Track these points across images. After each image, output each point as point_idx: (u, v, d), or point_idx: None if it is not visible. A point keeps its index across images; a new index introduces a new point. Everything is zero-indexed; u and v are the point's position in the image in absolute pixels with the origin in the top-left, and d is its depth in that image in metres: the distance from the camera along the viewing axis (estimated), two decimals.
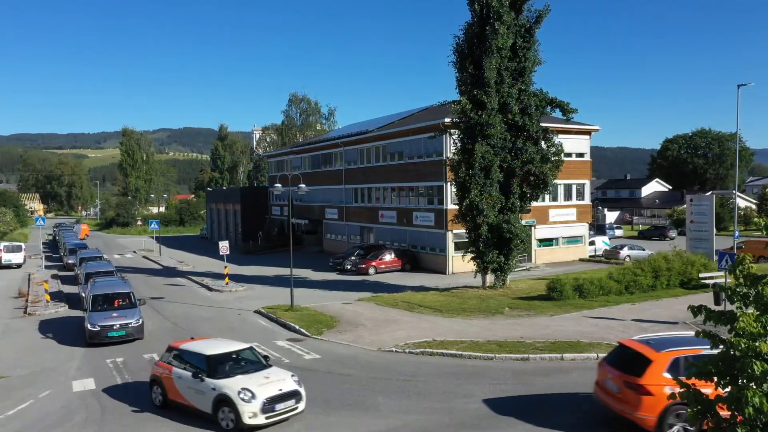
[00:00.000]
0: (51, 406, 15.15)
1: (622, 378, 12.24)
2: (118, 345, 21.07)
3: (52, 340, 22.26)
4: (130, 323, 21.39)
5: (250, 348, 15.24)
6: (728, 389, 7.34)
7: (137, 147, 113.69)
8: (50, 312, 27.34)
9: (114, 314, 21.59)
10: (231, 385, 13.28)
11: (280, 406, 13.15)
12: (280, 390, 13.29)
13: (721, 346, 7.64)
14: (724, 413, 7.46)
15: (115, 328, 21.01)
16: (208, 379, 13.61)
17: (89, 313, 21.61)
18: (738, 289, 7.73)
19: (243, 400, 12.89)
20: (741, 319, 7.24)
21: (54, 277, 38.74)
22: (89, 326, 20.94)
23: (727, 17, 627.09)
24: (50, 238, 77.14)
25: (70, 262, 41.57)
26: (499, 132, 28.07)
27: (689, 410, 7.55)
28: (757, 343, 6.96)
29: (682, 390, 7.61)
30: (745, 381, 6.97)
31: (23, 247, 47.44)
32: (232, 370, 14.08)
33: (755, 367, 6.79)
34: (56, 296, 30.42)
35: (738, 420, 7.15)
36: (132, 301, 22.76)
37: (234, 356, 14.63)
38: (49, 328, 24.44)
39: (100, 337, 20.83)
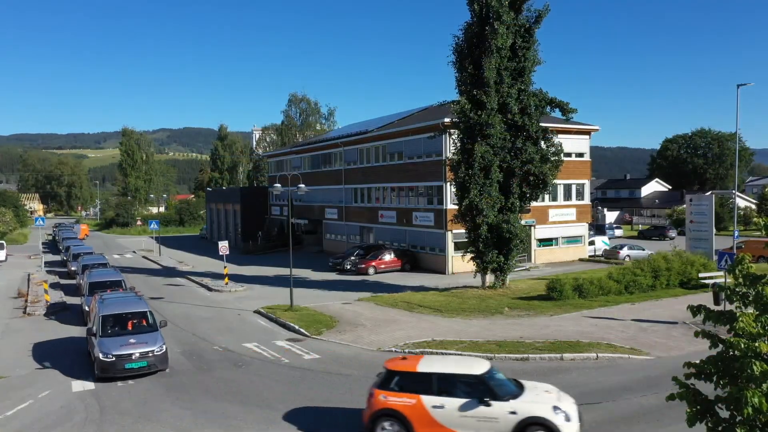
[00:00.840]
0: (50, 406, 15.14)
1: None
2: None
3: (51, 340, 22.22)
4: (153, 351, 17.25)
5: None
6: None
7: (137, 147, 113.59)
8: (50, 312, 27.30)
9: (131, 340, 17.51)
10: (538, 405, 11.46)
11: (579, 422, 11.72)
12: (573, 403, 12.03)
13: (721, 346, 7.63)
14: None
15: (134, 357, 16.90)
16: (499, 403, 11.53)
17: (99, 338, 17.47)
18: (737, 289, 7.72)
19: (565, 420, 11.20)
20: (740, 319, 7.22)
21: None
22: (101, 356, 16.79)
23: (727, 17, 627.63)
24: (50, 238, 76.98)
25: (74, 269, 36.72)
26: (499, 132, 28.06)
27: (687, 410, 7.54)
28: (756, 343, 6.95)
29: (681, 390, 7.60)
30: (744, 381, 6.96)
31: (4, 244, 51.13)
32: (505, 388, 12.11)
33: (755, 367, 6.78)
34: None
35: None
36: (151, 323, 18.71)
37: (493, 372, 12.58)
38: (49, 327, 24.42)
39: (115, 370, 16.75)
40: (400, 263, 39.40)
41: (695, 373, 7.68)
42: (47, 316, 26.80)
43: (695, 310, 8.03)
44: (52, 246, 66.20)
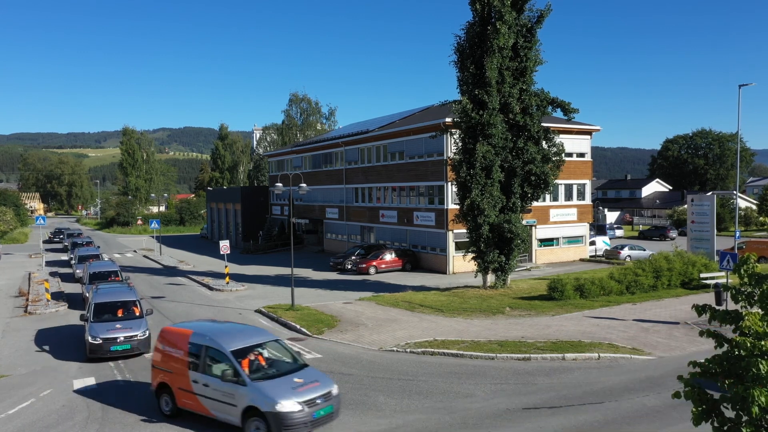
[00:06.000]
0: (52, 405, 15.12)
1: None
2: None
3: (53, 339, 22.20)
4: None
5: None
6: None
7: (137, 146, 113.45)
8: (51, 311, 27.31)
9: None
10: None
11: None
12: None
13: (726, 345, 7.60)
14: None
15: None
16: None
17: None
18: (743, 289, 7.69)
19: None
20: (747, 318, 7.19)
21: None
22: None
23: (728, 17, 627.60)
24: (52, 238, 76.10)
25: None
26: (501, 132, 28.04)
27: (693, 410, 7.51)
28: (762, 342, 6.91)
29: (687, 389, 7.56)
30: (750, 380, 6.93)
31: None
32: None
33: (761, 366, 6.75)
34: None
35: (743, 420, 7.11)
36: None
37: None
38: (50, 326, 24.40)
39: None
40: (401, 263, 39.38)
41: (700, 373, 7.64)
42: (48, 314, 26.78)
43: (701, 309, 7.98)
44: (55, 248, 66.08)
